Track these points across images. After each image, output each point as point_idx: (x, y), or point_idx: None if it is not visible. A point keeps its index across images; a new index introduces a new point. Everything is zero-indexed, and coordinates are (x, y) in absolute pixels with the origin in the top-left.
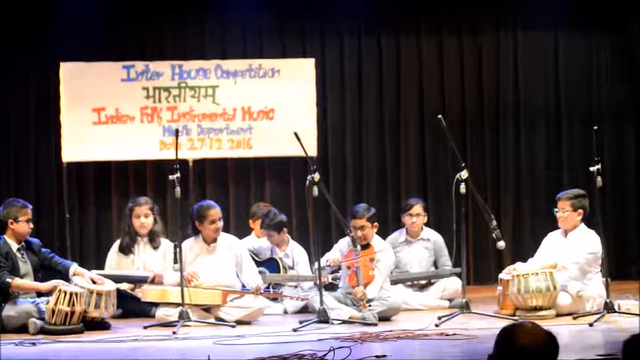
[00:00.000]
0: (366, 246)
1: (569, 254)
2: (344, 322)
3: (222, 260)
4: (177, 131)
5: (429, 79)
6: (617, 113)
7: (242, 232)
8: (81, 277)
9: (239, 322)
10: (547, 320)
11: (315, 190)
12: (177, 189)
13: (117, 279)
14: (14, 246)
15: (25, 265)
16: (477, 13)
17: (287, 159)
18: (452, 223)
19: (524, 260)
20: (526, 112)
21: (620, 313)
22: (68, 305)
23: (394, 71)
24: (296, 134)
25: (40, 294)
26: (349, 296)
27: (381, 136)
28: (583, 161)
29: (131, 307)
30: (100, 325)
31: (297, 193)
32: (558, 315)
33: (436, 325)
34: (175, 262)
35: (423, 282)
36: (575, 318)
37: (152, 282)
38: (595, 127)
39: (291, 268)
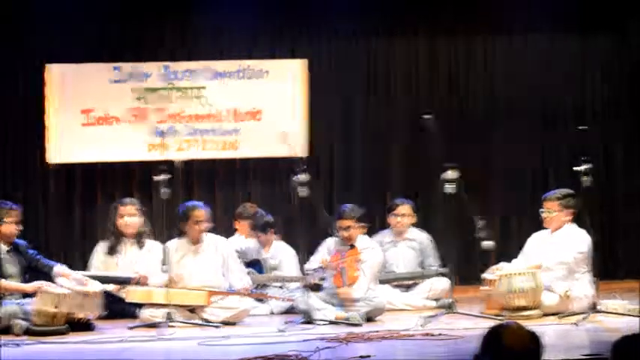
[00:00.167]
0: (352, 246)
1: (555, 254)
2: (329, 322)
3: (208, 261)
4: (164, 133)
5: (420, 81)
6: (606, 113)
7: (229, 232)
8: (66, 279)
9: (224, 323)
10: (533, 320)
11: (302, 191)
12: (164, 190)
13: (102, 280)
14: (2, 247)
15: (11, 267)
16: (469, 16)
17: (274, 160)
18: (439, 223)
19: (510, 260)
20: (514, 113)
21: (606, 313)
22: (53, 306)
23: (383, 72)
24: (284, 135)
25: (25, 295)
26: (335, 297)
27: (370, 137)
28: (570, 162)
29: (116, 308)
30: (85, 326)
31: (284, 193)
32: (545, 314)
33: (422, 326)
34: (163, 263)
35: (409, 282)
36: (560, 318)
37: (137, 283)
38: (582, 127)
39: (277, 268)
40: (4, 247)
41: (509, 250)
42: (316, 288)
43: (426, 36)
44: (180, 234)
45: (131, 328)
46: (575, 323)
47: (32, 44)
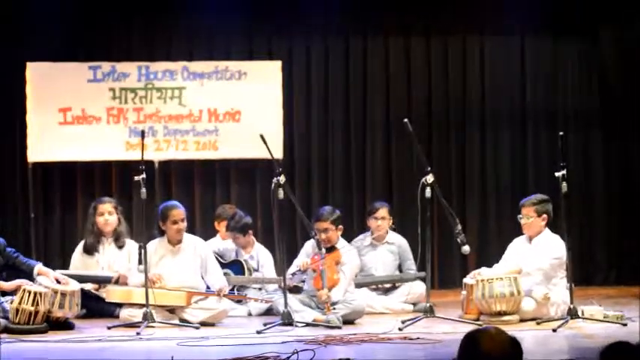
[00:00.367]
0: (331, 249)
1: (533, 260)
2: (308, 324)
3: (186, 261)
4: (143, 132)
5: (396, 82)
6: (583, 119)
7: (207, 233)
8: (45, 277)
9: (203, 324)
10: (511, 325)
11: (281, 193)
12: (143, 190)
13: (81, 279)
14: None
15: None
16: (444, 17)
17: (253, 161)
18: (417, 227)
19: (489, 265)
20: (492, 118)
21: (583, 318)
22: (32, 305)
23: (361, 74)
24: (262, 137)
25: (4, 293)
26: (314, 299)
27: (347, 139)
28: (548, 167)
29: (95, 307)
30: (64, 324)
31: (263, 195)
32: (522, 320)
33: (400, 329)
34: (140, 263)
35: (388, 285)
36: (538, 323)
37: (116, 282)
38: (561, 133)
39: (256, 270)
40: None
41: (489, 255)
42: (295, 290)
43: (401, 37)
44: (162, 234)
45: (110, 327)
46: (553, 329)
47: (14, 42)
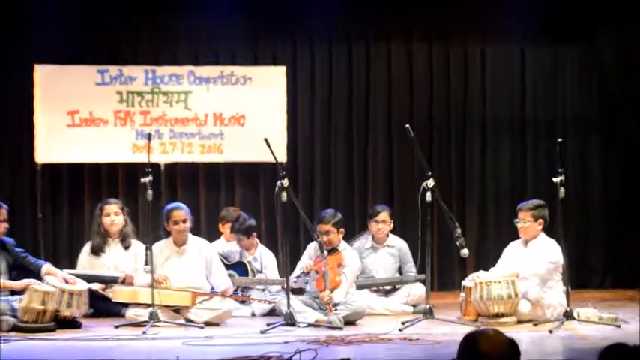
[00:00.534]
0: (333, 251)
1: (529, 264)
2: (310, 325)
3: (191, 262)
4: (149, 135)
5: (398, 88)
6: (582, 125)
7: (212, 235)
8: (53, 277)
9: (208, 324)
10: (508, 326)
11: (284, 196)
12: (149, 192)
13: (88, 279)
14: None
15: None
16: (446, 24)
17: (257, 165)
18: (417, 231)
19: (487, 268)
20: (492, 123)
21: (579, 320)
22: (40, 304)
23: (363, 80)
24: (266, 140)
25: (13, 292)
26: (316, 300)
27: (350, 143)
28: (547, 172)
29: (102, 306)
30: (72, 323)
31: (267, 198)
32: (519, 322)
33: (400, 330)
34: (146, 263)
35: (388, 287)
36: (535, 325)
37: (123, 282)
38: (559, 139)
39: (259, 271)
40: None
41: (487, 259)
42: (298, 291)
43: (403, 44)
44: (168, 235)
45: (117, 326)
46: (550, 330)
47: (23, 44)
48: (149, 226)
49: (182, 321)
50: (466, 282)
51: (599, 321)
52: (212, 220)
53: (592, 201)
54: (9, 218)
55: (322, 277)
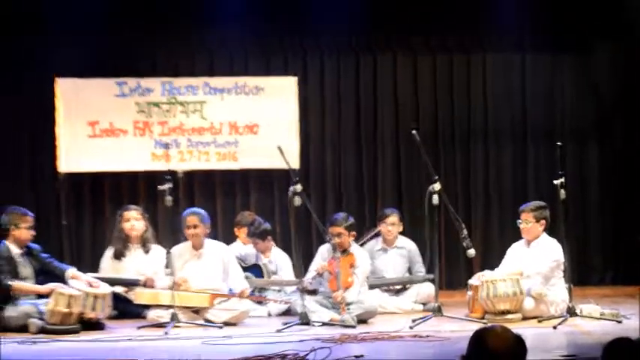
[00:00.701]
0: (345, 252)
1: (532, 263)
2: (324, 324)
3: (209, 265)
4: (167, 144)
5: (404, 97)
6: (579, 130)
7: (228, 239)
8: (78, 281)
9: (226, 324)
10: (513, 323)
11: (297, 200)
12: (168, 198)
13: (111, 282)
14: (16, 251)
15: (25, 269)
16: (448, 35)
17: (271, 171)
18: (425, 232)
19: (492, 268)
20: (494, 129)
21: (582, 316)
22: (66, 307)
23: (371, 90)
24: (279, 148)
25: (39, 296)
26: (329, 300)
27: (359, 150)
28: (547, 175)
29: (125, 308)
30: (96, 325)
31: (281, 203)
32: (524, 318)
33: (410, 328)
34: (166, 267)
35: (398, 287)
36: (540, 321)
37: (144, 285)
38: (558, 144)
39: (275, 273)
40: (19, 251)
41: (492, 258)
42: (312, 292)
43: (408, 56)
44: (187, 239)
45: (139, 327)
46: (554, 326)
47: (45, 58)
48: (168, 231)
49: (201, 321)
50: (473, 281)
51: (600, 317)
52: (228, 225)
53: (590, 201)
54: (35, 226)
55: (335, 278)
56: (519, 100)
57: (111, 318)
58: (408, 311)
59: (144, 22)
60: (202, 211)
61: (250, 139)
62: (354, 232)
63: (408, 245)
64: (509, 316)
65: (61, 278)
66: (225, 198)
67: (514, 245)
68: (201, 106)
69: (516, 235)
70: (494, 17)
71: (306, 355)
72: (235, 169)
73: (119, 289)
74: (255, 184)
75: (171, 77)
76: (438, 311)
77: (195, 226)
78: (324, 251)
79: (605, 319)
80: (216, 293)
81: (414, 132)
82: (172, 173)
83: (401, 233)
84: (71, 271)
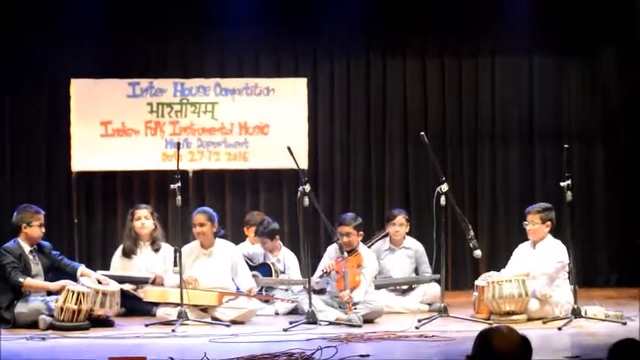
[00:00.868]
0: (352, 252)
1: (538, 264)
2: (331, 323)
3: (218, 264)
4: (178, 144)
5: (413, 99)
6: (586, 133)
7: (237, 238)
8: (88, 278)
9: (233, 322)
10: (519, 324)
11: (306, 201)
12: (178, 197)
13: (121, 280)
14: (27, 248)
15: (36, 266)
16: (458, 39)
17: (280, 171)
18: (432, 233)
19: (498, 269)
20: (502, 131)
21: (586, 318)
22: (76, 304)
23: (380, 91)
24: (289, 148)
25: (49, 293)
26: (336, 299)
27: (367, 151)
28: (554, 177)
29: (133, 306)
30: (105, 322)
31: (289, 203)
32: (529, 319)
33: (416, 328)
34: (175, 265)
35: (405, 287)
36: (545, 322)
37: (153, 283)
38: (565, 146)
39: (283, 272)
40: (30, 248)
41: (499, 259)
42: (319, 291)
43: (417, 58)
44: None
45: (148, 325)
46: (558, 328)
47: (60, 60)
48: (178, 230)
49: (209, 320)
50: (479, 282)
51: (605, 318)
52: (237, 224)
53: (596, 203)
54: (46, 223)
55: (342, 278)
56: (526, 102)
57: (120, 315)
58: (414, 311)
59: (156, 24)
60: (210, 210)
61: (260, 139)
62: (362, 232)
63: (415, 246)
64: (515, 317)
65: (71, 275)
66: (235, 198)
67: (520, 246)
68: (213, 106)
69: (522, 237)
70: (502, 21)
71: (313, 353)
72: (245, 169)
73: (128, 287)
74: (264, 184)
75: (183, 78)
76: (443, 311)
77: (202, 225)
78: (331, 251)
79: (609, 320)
80: (224, 292)
81: (422, 133)
82: (183, 173)
83: (408, 234)
84: (81, 268)
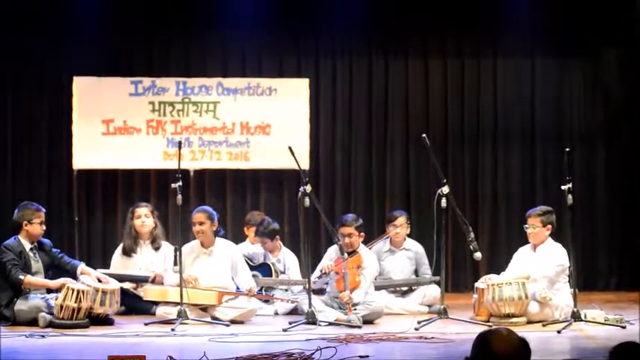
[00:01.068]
0: (353, 253)
1: (538, 267)
2: (330, 323)
3: (218, 263)
4: (179, 143)
5: (415, 100)
6: (588, 135)
7: (238, 238)
8: (88, 276)
9: (233, 322)
10: (518, 327)
11: (307, 201)
12: (179, 196)
13: (121, 278)
14: (27, 246)
15: (36, 264)
16: (460, 39)
17: (281, 171)
18: (432, 235)
19: (498, 271)
20: (503, 134)
21: (586, 321)
22: (75, 301)
23: (382, 93)
24: (290, 149)
25: (49, 290)
26: (336, 300)
27: (369, 152)
28: (555, 180)
29: (133, 304)
30: (105, 320)
31: (290, 203)
32: (529, 322)
33: (416, 329)
34: (175, 264)
35: (405, 288)
36: (544, 325)
37: (153, 282)
38: (567, 149)
39: (283, 272)
40: (30, 246)
41: (499, 262)
42: (319, 291)
43: (420, 59)
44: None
45: (147, 323)
46: (558, 331)
47: (63, 58)
48: (178, 229)
49: (209, 319)
50: (479, 284)
51: (605, 322)
52: (238, 224)
53: (597, 207)
54: (47, 221)
55: (342, 279)
56: (528, 104)
57: (119, 314)
58: (413, 313)
59: (159, 23)
60: (209, 209)
61: (262, 139)
62: (363, 234)
63: (415, 247)
64: (514, 320)
65: (71, 273)
66: (236, 197)
67: (520, 249)
68: (214, 106)
69: (523, 239)
70: (504, 22)
71: (312, 354)
72: (246, 169)
73: (128, 285)
74: (265, 184)
75: (185, 77)
76: (443, 313)
77: (201, 223)
78: (332, 252)
79: (609, 324)
80: (224, 291)
81: (423, 135)
82: (184, 172)
83: (408, 235)
84: (81, 266)
